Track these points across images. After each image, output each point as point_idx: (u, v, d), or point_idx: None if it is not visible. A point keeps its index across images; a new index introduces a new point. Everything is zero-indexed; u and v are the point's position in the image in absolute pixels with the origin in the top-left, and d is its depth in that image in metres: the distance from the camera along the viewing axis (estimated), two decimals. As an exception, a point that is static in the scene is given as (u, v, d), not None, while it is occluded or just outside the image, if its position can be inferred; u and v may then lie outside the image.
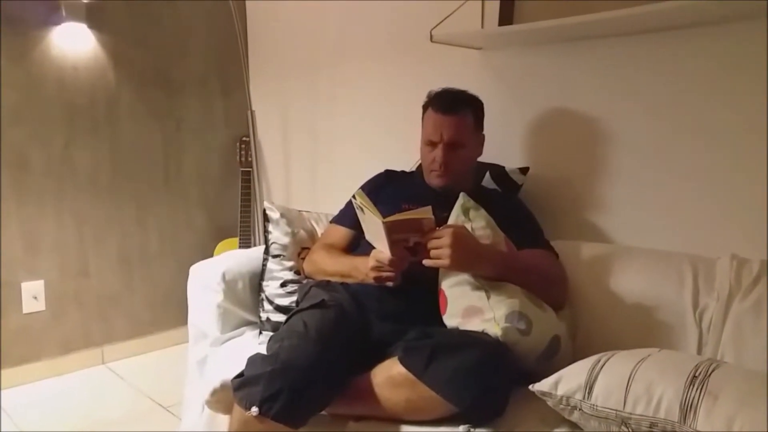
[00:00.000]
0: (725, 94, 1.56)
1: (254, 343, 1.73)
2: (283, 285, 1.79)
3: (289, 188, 2.87)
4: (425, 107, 1.74)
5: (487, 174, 1.88)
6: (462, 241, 1.37)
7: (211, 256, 2.20)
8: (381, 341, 1.47)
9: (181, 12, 2.76)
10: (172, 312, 2.83)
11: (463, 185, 1.69)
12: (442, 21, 1.90)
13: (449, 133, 1.64)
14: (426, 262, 1.39)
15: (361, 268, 1.54)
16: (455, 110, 1.66)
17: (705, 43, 1.58)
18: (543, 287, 1.47)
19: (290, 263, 1.81)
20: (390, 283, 1.46)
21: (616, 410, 1.11)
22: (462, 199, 1.53)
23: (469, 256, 1.39)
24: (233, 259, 1.92)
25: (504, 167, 1.88)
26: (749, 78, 1.52)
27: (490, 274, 1.41)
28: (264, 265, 1.83)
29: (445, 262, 1.36)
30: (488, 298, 1.38)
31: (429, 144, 1.69)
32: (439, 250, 1.37)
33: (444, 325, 1.45)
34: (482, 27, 1.98)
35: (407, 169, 1.95)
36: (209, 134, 2.93)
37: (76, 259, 2.60)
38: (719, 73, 1.57)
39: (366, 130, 2.48)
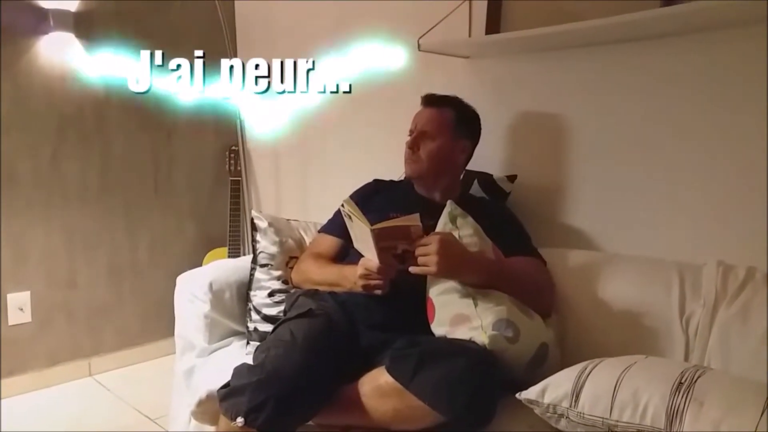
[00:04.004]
0: (713, 102, 1.57)
1: (241, 354, 1.72)
2: (270, 294, 1.78)
3: (278, 197, 2.86)
4: None
5: (475, 182, 1.89)
6: (449, 248, 1.37)
7: (201, 266, 2.19)
8: (369, 350, 1.47)
9: (170, 21, 2.76)
10: (162, 323, 2.80)
11: (451, 193, 1.71)
12: (430, 30, 1.90)
13: (422, 121, 1.73)
14: (413, 269, 1.39)
15: (349, 277, 1.53)
16: (434, 104, 1.75)
17: (692, 50, 1.59)
18: (531, 294, 1.47)
19: (278, 272, 1.80)
20: (378, 291, 1.46)
21: (603, 418, 1.11)
22: (449, 206, 1.53)
23: (456, 264, 1.38)
24: (220, 268, 1.91)
25: (492, 175, 1.89)
26: (739, 85, 1.53)
27: (478, 282, 1.41)
28: (251, 275, 1.82)
29: (432, 269, 1.36)
30: (476, 305, 1.37)
31: (408, 135, 1.75)
32: (426, 258, 1.36)
33: (432, 334, 1.44)
34: (469, 36, 1.99)
35: (396, 178, 1.95)
36: (199, 144, 2.93)
37: (64, 270, 2.58)
38: (707, 81, 1.58)
39: (355, 139, 2.48)
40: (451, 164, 1.77)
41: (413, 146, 1.72)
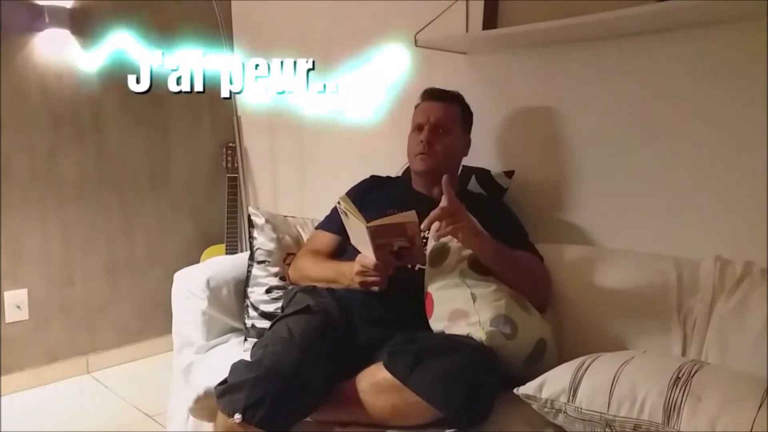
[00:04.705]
0: (709, 97, 1.57)
1: (239, 350, 1.72)
2: (268, 291, 1.78)
3: (276, 194, 2.86)
4: (417, 105, 1.79)
5: (473, 178, 1.88)
6: (452, 205, 1.42)
7: (198, 263, 2.19)
8: (367, 347, 1.46)
9: (165, 17, 2.75)
10: (159, 320, 2.79)
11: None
12: (427, 25, 1.90)
13: (436, 115, 1.71)
14: (440, 233, 1.41)
15: (346, 273, 1.53)
16: (444, 99, 1.75)
17: (689, 46, 1.59)
18: (529, 284, 1.49)
19: (275, 269, 1.80)
20: (375, 288, 1.46)
21: (601, 413, 1.11)
22: (447, 202, 1.53)
23: (475, 225, 1.43)
24: (218, 265, 1.91)
25: (489, 171, 1.89)
26: (736, 81, 1.53)
27: (489, 252, 1.44)
28: (249, 272, 1.82)
29: (461, 224, 1.40)
30: (474, 301, 1.38)
31: (416, 129, 1.74)
32: (453, 216, 1.39)
33: (430, 330, 1.44)
34: (467, 31, 1.99)
35: (393, 175, 1.95)
36: (195, 140, 2.92)
37: (61, 268, 2.57)
38: (704, 77, 1.58)
39: (352, 135, 2.48)
40: (459, 159, 1.80)
41: (430, 140, 1.69)
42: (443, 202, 1.41)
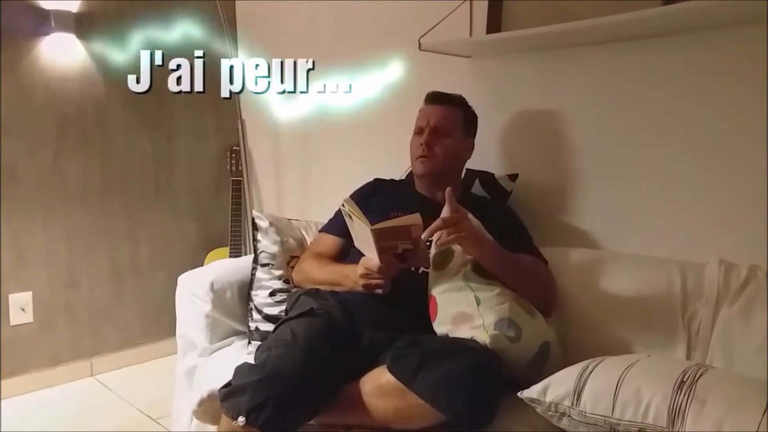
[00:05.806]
0: (713, 101, 1.57)
1: (243, 353, 1.72)
2: (272, 294, 1.78)
3: (280, 197, 2.86)
4: (420, 109, 1.79)
5: (477, 181, 1.89)
6: (457, 213, 1.42)
7: (202, 265, 2.19)
8: (370, 349, 1.46)
9: (171, 21, 2.76)
10: (163, 323, 2.80)
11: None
12: (431, 29, 1.90)
13: (436, 118, 1.72)
14: (442, 242, 1.40)
15: (350, 276, 1.53)
16: (445, 102, 1.75)
17: (693, 48, 1.59)
18: (534, 288, 1.48)
19: (279, 272, 1.80)
20: (379, 291, 1.46)
21: (605, 416, 1.10)
22: (451, 205, 1.53)
23: (478, 232, 1.43)
24: (222, 268, 1.91)
25: (493, 174, 1.89)
26: (740, 84, 1.53)
27: (491, 258, 1.43)
28: (253, 275, 1.82)
29: (462, 234, 1.39)
30: (478, 304, 1.37)
31: (417, 132, 1.75)
32: (455, 226, 1.38)
33: (434, 333, 1.44)
34: (470, 35, 1.99)
35: (397, 178, 1.95)
36: (200, 144, 2.93)
37: (66, 271, 2.58)
38: (708, 80, 1.58)
39: (356, 138, 2.48)
40: (460, 163, 1.80)
41: (429, 143, 1.70)
42: (444, 212, 1.41)
